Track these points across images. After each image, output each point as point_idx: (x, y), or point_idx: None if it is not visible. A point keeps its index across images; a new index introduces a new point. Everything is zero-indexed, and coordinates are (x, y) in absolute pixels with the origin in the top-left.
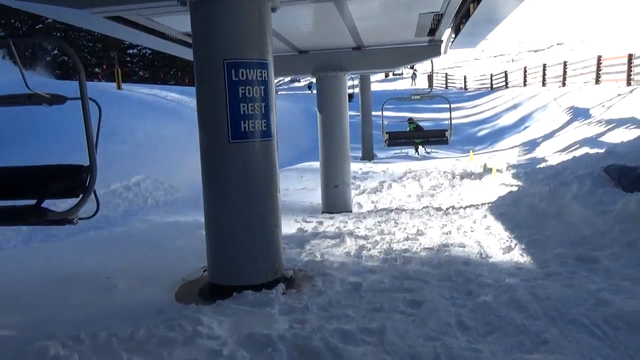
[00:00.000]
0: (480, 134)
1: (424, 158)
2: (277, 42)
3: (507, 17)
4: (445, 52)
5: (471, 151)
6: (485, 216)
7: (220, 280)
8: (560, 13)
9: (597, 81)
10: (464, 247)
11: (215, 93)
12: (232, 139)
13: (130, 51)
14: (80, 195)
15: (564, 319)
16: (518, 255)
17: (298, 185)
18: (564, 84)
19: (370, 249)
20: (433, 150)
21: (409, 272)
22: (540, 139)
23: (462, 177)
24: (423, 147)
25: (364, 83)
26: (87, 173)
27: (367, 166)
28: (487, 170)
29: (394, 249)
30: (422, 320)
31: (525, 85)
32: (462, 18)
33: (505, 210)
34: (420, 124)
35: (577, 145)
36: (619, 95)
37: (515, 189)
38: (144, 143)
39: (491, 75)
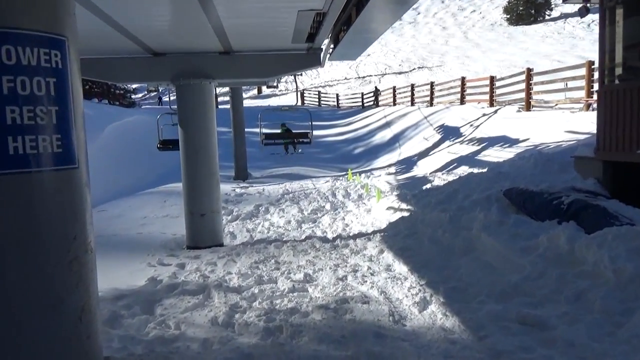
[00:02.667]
0: (356, 152)
1: (299, 180)
2: (124, 41)
3: (388, 28)
4: (323, 64)
5: (349, 169)
6: (381, 251)
7: None
8: (421, 42)
9: (462, 102)
10: (368, 302)
11: None
12: None
13: None
14: None
15: None
16: (440, 315)
17: (160, 212)
18: (431, 104)
19: (246, 309)
20: (310, 169)
21: (302, 357)
22: (416, 157)
23: (343, 197)
24: (293, 146)
25: (236, 96)
26: None
27: (241, 187)
28: (368, 191)
29: (277, 308)
30: None
31: (395, 104)
32: (342, 25)
33: (404, 244)
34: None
35: (455, 164)
36: (485, 115)
37: (406, 214)
38: None
39: (362, 94)
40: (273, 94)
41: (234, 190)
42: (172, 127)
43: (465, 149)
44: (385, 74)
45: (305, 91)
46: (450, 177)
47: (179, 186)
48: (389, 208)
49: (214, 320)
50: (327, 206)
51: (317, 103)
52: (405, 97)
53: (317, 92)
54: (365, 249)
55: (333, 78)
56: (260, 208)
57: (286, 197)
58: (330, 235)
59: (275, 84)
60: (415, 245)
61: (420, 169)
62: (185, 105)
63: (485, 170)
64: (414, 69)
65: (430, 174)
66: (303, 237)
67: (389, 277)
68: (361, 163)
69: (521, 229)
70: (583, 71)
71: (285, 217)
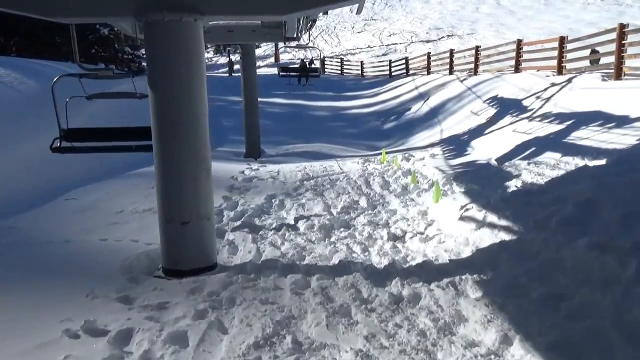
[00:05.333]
0: (386, 127)
1: (321, 159)
2: None
3: None
4: (360, 10)
5: (383, 150)
6: (506, 339)
7: None
8: (450, 9)
9: (517, 69)
10: None
11: None
12: None
13: None
14: None
15: None
16: None
17: (142, 203)
18: (475, 73)
19: None
20: (334, 147)
21: None
22: (467, 136)
23: (382, 188)
24: (306, 79)
25: (248, 58)
26: None
27: (252, 168)
28: (416, 181)
29: None
30: None
31: (429, 73)
32: None
33: (555, 337)
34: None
35: (533, 149)
36: (554, 85)
37: (507, 237)
38: None
39: (390, 62)
40: (291, 62)
41: (243, 172)
42: (89, 104)
43: (541, 128)
44: (412, 43)
45: (326, 59)
46: (549, 171)
47: None
48: (465, 219)
49: None
50: (362, 202)
51: (340, 71)
52: (441, 65)
53: (339, 59)
54: (462, 320)
55: (356, 46)
56: (273, 201)
57: (307, 185)
58: (376, 260)
59: (295, 36)
60: (578, 335)
61: (479, 153)
62: (156, 55)
63: (603, 162)
64: (443, 37)
65: (498, 160)
66: (336, 260)
67: None
68: (394, 141)
69: None
70: None
71: (307, 216)
